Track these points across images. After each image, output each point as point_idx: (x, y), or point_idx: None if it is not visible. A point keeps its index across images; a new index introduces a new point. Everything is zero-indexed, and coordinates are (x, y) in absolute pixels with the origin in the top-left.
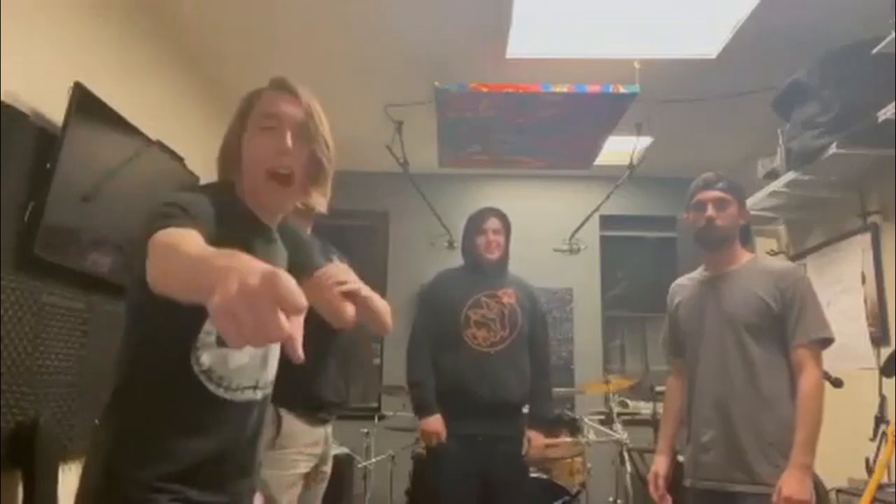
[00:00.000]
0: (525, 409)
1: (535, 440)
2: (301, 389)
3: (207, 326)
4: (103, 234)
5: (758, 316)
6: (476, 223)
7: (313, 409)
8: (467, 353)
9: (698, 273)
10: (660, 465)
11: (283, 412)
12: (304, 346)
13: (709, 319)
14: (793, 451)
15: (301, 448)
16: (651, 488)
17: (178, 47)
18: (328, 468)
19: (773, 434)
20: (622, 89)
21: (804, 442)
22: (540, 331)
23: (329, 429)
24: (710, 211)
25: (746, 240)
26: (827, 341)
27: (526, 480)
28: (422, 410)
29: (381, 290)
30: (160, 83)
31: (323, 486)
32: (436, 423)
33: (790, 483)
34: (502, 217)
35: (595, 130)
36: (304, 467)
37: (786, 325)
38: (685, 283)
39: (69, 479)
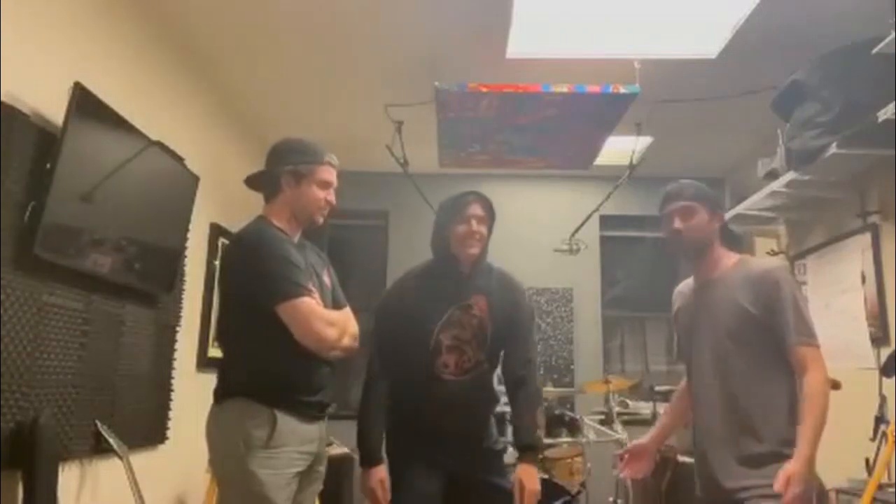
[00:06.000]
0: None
1: (528, 481)
2: (292, 387)
3: None
4: (103, 234)
5: (738, 323)
6: (456, 209)
7: (304, 405)
8: (439, 387)
9: (693, 280)
10: (635, 442)
11: (276, 411)
12: (293, 344)
13: (698, 329)
14: (798, 443)
15: (296, 447)
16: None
17: (178, 47)
18: (323, 468)
19: (747, 446)
20: (622, 89)
21: (809, 437)
22: (520, 344)
23: (323, 427)
24: (677, 223)
25: (732, 241)
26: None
27: None
28: (363, 461)
29: (381, 290)
30: (160, 83)
31: (317, 488)
32: (374, 476)
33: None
34: (487, 203)
35: (595, 130)
36: (299, 466)
37: (775, 329)
38: (684, 290)
39: (69, 479)
